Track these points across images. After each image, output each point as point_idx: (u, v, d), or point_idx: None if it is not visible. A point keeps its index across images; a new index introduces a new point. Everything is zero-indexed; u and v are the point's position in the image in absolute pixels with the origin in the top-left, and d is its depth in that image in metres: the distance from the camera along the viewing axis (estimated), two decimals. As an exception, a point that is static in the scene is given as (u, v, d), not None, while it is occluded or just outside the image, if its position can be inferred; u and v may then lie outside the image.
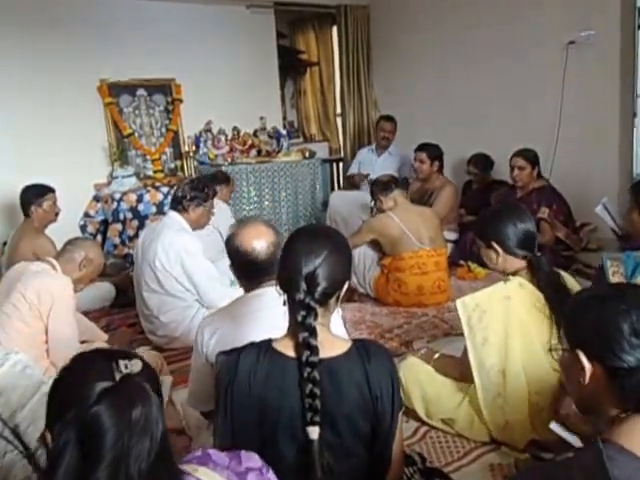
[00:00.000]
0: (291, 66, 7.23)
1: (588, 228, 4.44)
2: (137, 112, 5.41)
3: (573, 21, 4.63)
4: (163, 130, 5.55)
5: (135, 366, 1.01)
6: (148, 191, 5.03)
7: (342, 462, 1.40)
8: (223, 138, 5.55)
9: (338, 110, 7.11)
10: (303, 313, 1.35)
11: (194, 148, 5.51)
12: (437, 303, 3.77)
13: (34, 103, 4.81)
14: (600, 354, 1.16)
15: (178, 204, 3.32)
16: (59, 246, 3.02)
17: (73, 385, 1.00)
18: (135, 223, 4.92)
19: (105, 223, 4.98)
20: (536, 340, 2.13)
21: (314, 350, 1.34)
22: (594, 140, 4.67)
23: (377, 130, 5.55)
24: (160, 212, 4.87)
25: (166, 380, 2.47)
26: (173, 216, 3.32)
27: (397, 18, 6.16)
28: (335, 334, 1.49)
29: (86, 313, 3.42)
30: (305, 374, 1.34)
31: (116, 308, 4.00)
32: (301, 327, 1.35)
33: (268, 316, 1.72)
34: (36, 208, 3.78)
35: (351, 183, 5.60)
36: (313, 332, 1.35)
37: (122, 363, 0.99)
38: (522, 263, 2.22)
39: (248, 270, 1.96)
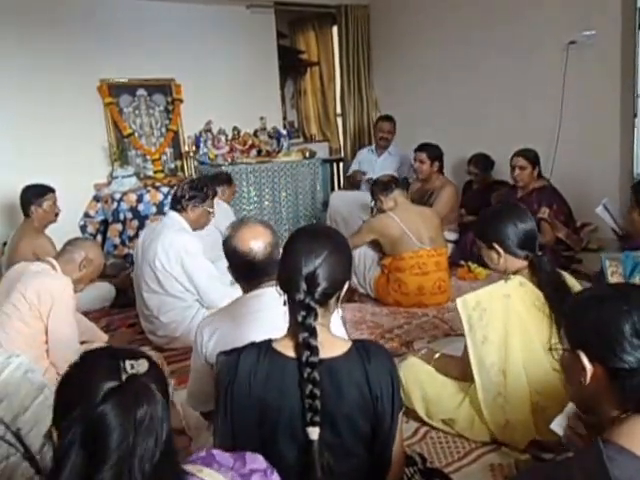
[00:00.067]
0: (291, 66, 7.23)
1: (589, 228, 4.44)
2: (137, 112, 5.41)
3: (573, 21, 4.63)
4: (163, 130, 5.55)
5: (141, 366, 1.01)
6: (148, 191, 5.03)
7: (342, 462, 1.40)
8: (223, 138, 5.55)
9: (338, 110, 7.11)
10: (303, 313, 1.35)
11: (194, 148, 5.51)
12: (437, 303, 3.77)
13: (34, 103, 4.81)
14: (601, 355, 1.16)
15: (177, 203, 3.32)
16: (59, 246, 3.02)
17: (80, 383, 1.00)
18: (135, 223, 4.92)
19: (105, 223, 4.98)
20: (536, 339, 2.13)
21: (314, 350, 1.34)
22: (595, 140, 4.66)
23: (376, 130, 5.55)
24: (160, 212, 4.87)
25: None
26: (173, 216, 3.32)
27: (397, 18, 6.16)
28: (335, 334, 1.49)
29: (86, 313, 3.42)
30: (305, 374, 1.34)
31: (116, 308, 3.99)
32: (301, 327, 1.35)
33: (268, 316, 1.72)
34: (36, 208, 3.78)
35: (351, 183, 5.60)
36: (313, 332, 1.35)
37: (128, 363, 0.99)
38: (523, 263, 2.22)
39: (246, 271, 1.96)
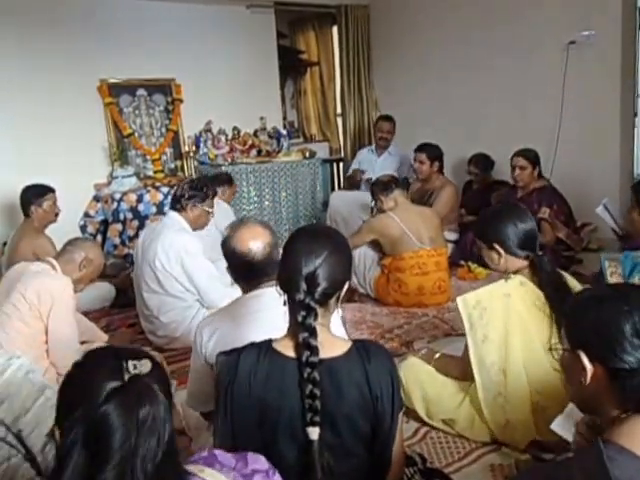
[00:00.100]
0: (291, 66, 7.23)
1: (589, 228, 4.44)
2: (137, 112, 5.41)
3: (573, 21, 4.63)
4: (163, 130, 5.55)
5: (144, 366, 1.01)
6: (148, 191, 5.03)
7: (342, 462, 1.40)
8: (223, 138, 5.55)
9: (338, 110, 7.11)
10: (303, 313, 1.35)
11: (194, 148, 5.51)
12: (437, 303, 3.77)
13: (34, 103, 4.81)
14: (601, 355, 1.16)
15: (176, 202, 3.32)
16: (59, 246, 3.02)
17: (82, 383, 1.00)
18: (135, 223, 4.92)
19: (105, 223, 4.98)
20: (536, 338, 2.13)
21: (314, 350, 1.34)
22: (595, 140, 4.66)
23: (375, 130, 5.55)
24: (160, 212, 4.87)
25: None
26: (173, 216, 3.32)
27: (397, 18, 6.16)
28: (335, 334, 1.49)
29: (86, 313, 3.42)
30: (305, 374, 1.34)
31: (116, 308, 3.99)
32: (301, 327, 1.35)
33: (267, 317, 1.72)
34: (36, 208, 3.78)
35: (351, 183, 5.59)
36: (313, 332, 1.35)
37: (131, 363, 1.00)
38: (524, 263, 2.22)
39: (245, 271, 1.96)
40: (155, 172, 5.43)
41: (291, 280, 1.38)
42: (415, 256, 3.73)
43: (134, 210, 4.92)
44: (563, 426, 1.67)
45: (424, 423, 2.36)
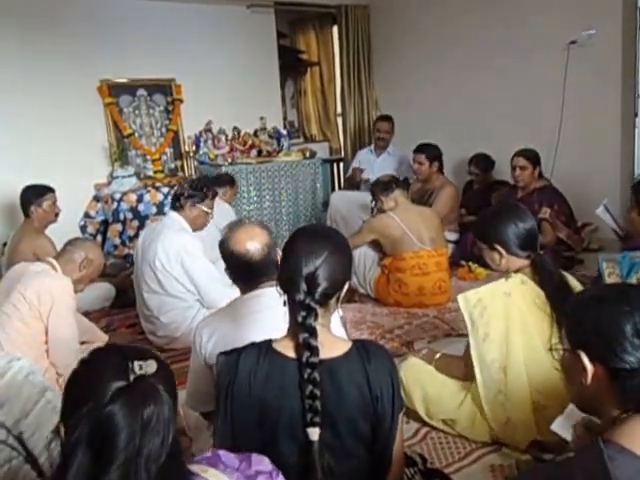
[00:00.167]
0: (291, 66, 7.22)
1: (589, 228, 4.44)
2: (137, 112, 5.41)
3: (574, 21, 4.63)
4: (163, 130, 5.55)
5: (150, 367, 1.01)
6: (148, 191, 5.03)
7: (342, 463, 1.40)
8: (223, 138, 5.55)
9: (339, 110, 7.12)
10: (303, 314, 1.35)
11: (194, 148, 5.51)
12: (438, 304, 3.76)
13: (34, 104, 4.81)
14: (602, 355, 1.16)
15: (176, 201, 3.33)
16: (59, 246, 3.02)
17: (88, 382, 1.00)
18: (135, 223, 4.92)
19: (105, 223, 4.98)
20: (536, 337, 2.13)
21: (314, 351, 1.34)
22: (595, 140, 4.66)
23: (374, 130, 5.56)
24: (160, 212, 4.87)
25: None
26: (173, 216, 3.32)
27: (398, 18, 6.16)
28: (335, 335, 1.49)
29: (86, 314, 3.42)
30: (305, 375, 1.33)
31: (116, 309, 3.99)
32: (301, 328, 1.35)
33: (267, 317, 1.72)
34: (36, 208, 3.78)
35: (350, 184, 5.59)
36: (313, 333, 1.35)
37: (137, 364, 1.00)
38: (525, 262, 2.22)
39: (244, 272, 1.95)
40: (155, 172, 5.43)
41: (291, 280, 1.38)
42: (415, 256, 3.72)
43: (134, 210, 4.92)
44: (563, 426, 1.67)
45: (424, 423, 2.36)
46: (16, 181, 4.01)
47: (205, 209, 3.36)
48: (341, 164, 6.64)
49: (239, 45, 5.83)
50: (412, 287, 3.74)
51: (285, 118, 6.92)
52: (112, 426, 0.94)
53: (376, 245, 3.94)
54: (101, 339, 3.06)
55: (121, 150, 5.21)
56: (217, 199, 3.60)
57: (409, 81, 6.11)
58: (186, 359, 2.68)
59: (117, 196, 4.90)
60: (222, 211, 3.98)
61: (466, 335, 2.24)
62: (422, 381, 2.36)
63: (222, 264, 2.08)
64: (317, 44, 7.54)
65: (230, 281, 2.05)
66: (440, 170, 4.86)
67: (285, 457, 1.36)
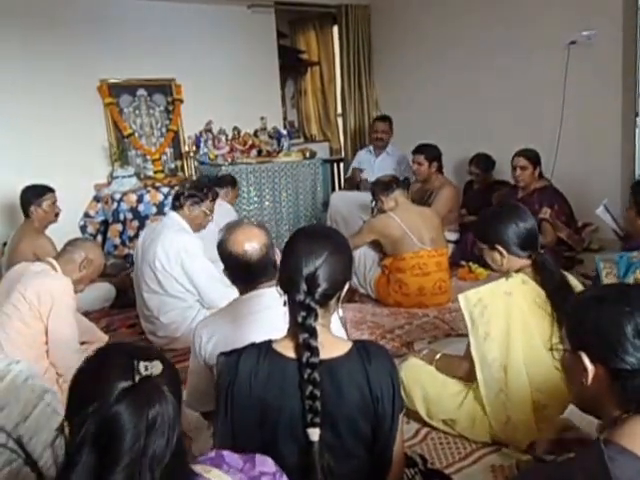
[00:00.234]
0: (292, 66, 7.22)
1: (590, 228, 4.44)
2: (137, 112, 5.41)
3: (574, 21, 4.63)
4: (163, 130, 5.55)
5: (155, 368, 1.00)
6: (148, 191, 5.03)
7: (342, 463, 1.40)
8: (223, 138, 5.54)
9: (339, 110, 7.11)
10: (303, 314, 1.35)
11: (194, 148, 5.50)
12: (438, 304, 3.76)
13: (34, 104, 4.81)
14: (603, 356, 1.16)
15: (176, 200, 3.33)
16: (59, 247, 3.01)
17: (94, 380, 1.00)
18: (135, 223, 4.91)
19: (105, 223, 4.98)
20: (537, 337, 2.13)
21: (314, 351, 1.34)
22: (596, 140, 4.66)
23: (371, 131, 5.56)
24: (160, 212, 4.87)
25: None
26: (173, 216, 3.33)
27: (398, 18, 6.16)
28: (335, 335, 1.49)
29: (86, 314, 3.42)
30: (305, 375, 1.33)
31: (116, 309, 3.99)
32: (301, 328, 1.35)
33: (267, 317, 1.72)
34: (36, 208, 3.78)
35: (350, 184, 5.59)
36: (313, 333, 1.34)
37: (143, 365, 0.99)
38: (526, 262, 2.22)
39: (243, 273, 1.95)
40: (155, 172, 5.43)
41: (291, 280, 1.38)
42: (416, 256, 3.72)
43: (134, 210, 4.92)
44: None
45: (425, 424, 2.36)
46: (16, 181, 4.01)
47: (204, 210, 3.36)
48: (341, 164, 6.63)
49: (239, 45, 5.83)
50: (412, 287, 3.73)
51: (285, 118, 6.91)
52: (118, 427, 0.94)
53: (376, 245, 3.93)
54: (101, 339, 3.05)
55: (121, 150, 5.21)
56: (219, 200, 3.60)
57: (409, 81, 6.11)
58: (186, 359, 2.68)
59: (117, 196, 4.89)
60: (224, 212, 3.98)
61: (466, 335, 2.24)
62: (422, 381, 2.35)
63: (222, 264, 2.08)
64: (317, 44, 7.54)
65: (230, 281, 2.06)
66: (439, 170, 4.86)
67: (285, 458, 1.36)
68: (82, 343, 2.75)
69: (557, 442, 1.80)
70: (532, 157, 4.29)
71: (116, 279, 4.21)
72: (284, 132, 5.92)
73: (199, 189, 3.34)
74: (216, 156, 5.44)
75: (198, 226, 3.38)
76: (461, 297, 2.22)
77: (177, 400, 1.02)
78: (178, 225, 3.28)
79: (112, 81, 5.21)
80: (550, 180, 4.46)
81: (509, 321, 2.15)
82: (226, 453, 1.15)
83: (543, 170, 4.40)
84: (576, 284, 2.23)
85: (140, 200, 4.95)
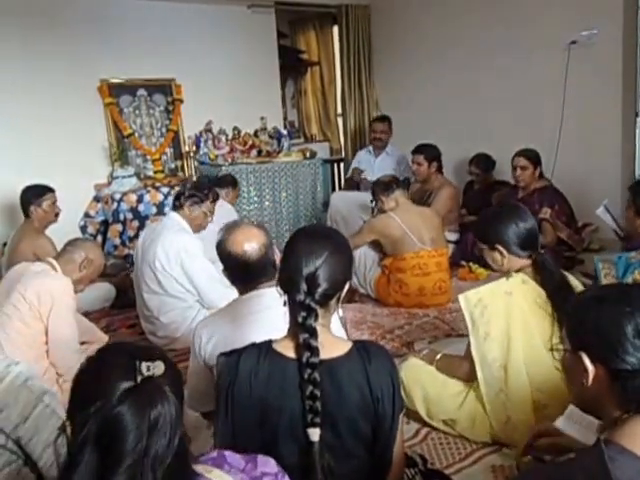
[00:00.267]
0: (292, 66, 7.22)
1: (590, 228, 4.43)
2: (137, 112, 5.41)
3: (574, 21, 4.62)
4: (163, 130, 5.55)
5: (157, 368, 1.00)
6: (148, 191, 5.03)
7: (343, 463, 1.40)
8: (223, 138, 5.54)
9: (339, 110, 7.11)
10: (303, 314, 1.35)
11: (194, 148, 5.50)
12: (438, 304, 3.76)
13: (34, 104, 4.81)
14: (603, 356, 1.16)
15: (176, 200, 3.33)
16: (59, 247, 3.01)
17: (96, 380, 1.00)
18: (135, 224, 4.91)
19: (105, 224, 4.98)
20: (537, 336, 2.14)
21: (314, 351, 1.34)
22: (596, 140, 4.66)
23: (370, 131, 5.56)
24: (160, 213, 4.87)
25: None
26: (173, 217, 3.33)
27: (398, 18, 6.16)
28: (336, 335, 1.49)
29: (86, 314, 3.42)
30: (305, 375, 1.33)
31: (116, 309, 3.99)
32: (301, 328, 1.35)
33: (267, 317, 1.72)
34: (35, 208, 3.78)
35: (351, 184, 5.59)
36: (313, 333, 1.34)
37: (145, 365, 0.99)
38: (526, 262, 2.22)
39: (242, 273, 1.95)
40: (155, 172, 5.43)
41: (291, 281, 1.38)
42: (416, 257, 3.72)
43: (134, 210, 4.92)
44: (567, 424, 1.67)
45: (425, 424, 2.36)
46: (16, 181, 4.01)
47: (204, 210, 3.36)
48: (341, 164, 6.63)
49: (239, 45, 5.83)
50: (412, 287, 3.73)
51: (285, 118, 6.91)
52: (120, 427, 0.94)
53: (376, 245, 3.93)
54: (101, 339, 3.05)
55: (121, 150, 5.20)
56: (220, 200, 3.60)
57: (410, 81, 6.11)
58: (186, 359, 2.68)
59: (117, 196, 4.89)
60: (224, 212, 3.98)
61: (466, 335, 2.24)
62: (422, 381, 2.36)
63: (221, 265, 2.08)
64: (317, 44, 7.54)
65: (229, 281, 2.06)
66: (439, 170, 4.85)
67: (285, 458, 1.36)
68: (82, 343, 2.75)
69: (531, 447, 1.81)
70: (532, 157, 4.29)
71: (116, 279, 4.21)
72: (284, 132, 5.92)
73: (199, 189, 3.34)
74: (216, 156, 5.44)
75: (198, 226, 3.38)
76: (461, 297, 2.22)
77: (179, 400, 1.02)
78: (178, 225, 3.28)
79: (112, 81, 5.21)
80: (550, 180, 4.45)
81: (509, 321, 2.15)
82: (228, 453, 1.15)
83: (543, 170, 4.40)
84: (576, 284, 2.23)
85: (140, 200, 4.95)
